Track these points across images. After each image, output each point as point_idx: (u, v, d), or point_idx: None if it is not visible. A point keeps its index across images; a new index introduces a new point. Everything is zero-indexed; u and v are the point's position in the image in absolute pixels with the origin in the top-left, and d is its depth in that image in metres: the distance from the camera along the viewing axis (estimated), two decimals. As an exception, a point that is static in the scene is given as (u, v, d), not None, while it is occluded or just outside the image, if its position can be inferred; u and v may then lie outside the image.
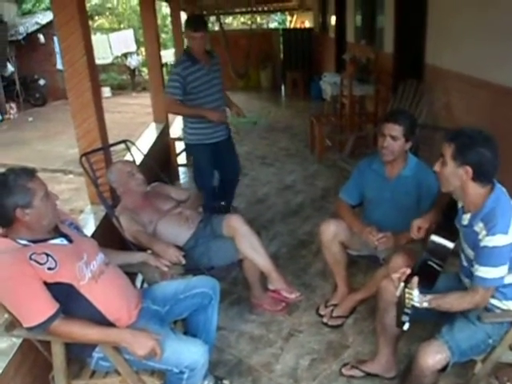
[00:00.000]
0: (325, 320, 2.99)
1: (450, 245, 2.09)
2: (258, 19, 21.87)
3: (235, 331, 2.96)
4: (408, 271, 2.00)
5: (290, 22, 19.12)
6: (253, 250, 2.85)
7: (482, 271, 1.91)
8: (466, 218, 2.02)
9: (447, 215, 2.19)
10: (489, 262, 1.89)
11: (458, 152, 1.91)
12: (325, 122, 6.29)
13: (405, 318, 1.84)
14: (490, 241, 1.88)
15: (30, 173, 1.92)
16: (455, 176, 1.95)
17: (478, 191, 1.95)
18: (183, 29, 3.79)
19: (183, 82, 3.60)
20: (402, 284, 1.91)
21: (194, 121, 3.79)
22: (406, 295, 1.86)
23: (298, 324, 3.01)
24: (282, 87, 12.44)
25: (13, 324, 1.95)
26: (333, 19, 10.04)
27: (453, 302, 1.95)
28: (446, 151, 1.95)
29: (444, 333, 1.99)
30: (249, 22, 20.59)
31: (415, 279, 1.91)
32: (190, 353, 2.02)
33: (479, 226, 1.93)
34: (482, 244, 1.90)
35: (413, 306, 1.84)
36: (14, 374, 2.11)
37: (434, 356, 1.92)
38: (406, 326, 1.86)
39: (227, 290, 3.31)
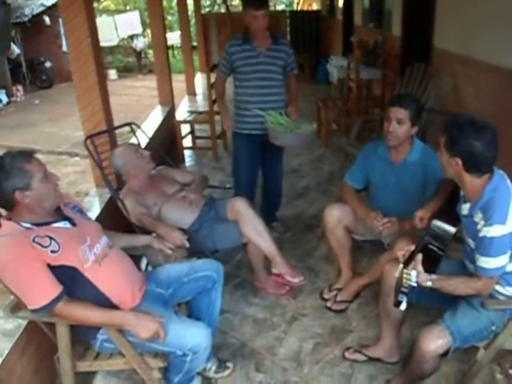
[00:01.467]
0: (328, 304, 2.99)
1: (452, 229, 2.10)
2: (266, 1, 21.67)
3: (239, 314, 2.98)
4: (412, 247, 2.01)
5: (298, 4, 18.89)
6: (257, 234, 2.85)
7: (483, 261, 1.90)
8: (465, 208, 2.01)
9: (450, 200, 2.19)
10: (488, 253, 1.88)
11: (449, 143, 1.92)
12: (331, 105, 6.24)
13: (401, 297, 1.84)
14: (488, 231, 1.87)
15: (28, 155, 1.91)
16: (449, 165, 1.96)
17: (474, 181, 1.94)
18: (242, 7, 3.37)
19: (229, 59, 3.40)
20: (401, 265, 1.91)
21: (236, 105, 3.56)
22: (404, 275, 1.86)
23: (302, 308, 3.02)
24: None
25: (18, 306, 1.97)
26: (340, 1, 9.93)
27: (456, 284, 1.95)
28: (440, 141, 1.95)
29: (446, 318, 1.99)
30: (256, 4, 20.43)
31: (415, 260, 1.89)
32: (193, 336, 2.03)
33: (478, 216, 1.92)
34: (481, 234, 1.90)
35: (410, 286, 1.84)
36: (20, 354, 2.14)
37: (435, 341, 1.92)
38: (402, 306, 1.86)
39: (231, 273, 3.33)
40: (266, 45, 3.39)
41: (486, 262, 1.89)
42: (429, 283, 1.89)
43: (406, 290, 1.84)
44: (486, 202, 1.90)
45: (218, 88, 3.63)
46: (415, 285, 1.84)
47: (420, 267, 1.88)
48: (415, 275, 1.85)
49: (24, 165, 1.87)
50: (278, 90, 3.47)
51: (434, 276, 1.91)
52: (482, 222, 1.89)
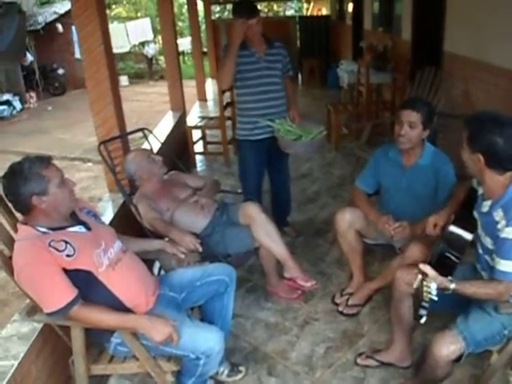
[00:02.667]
0: (340, 308, 2.99)
1: (469, 236, 2.05)
2: (275, 7, 21.77)
3: (251, 318, 2.99)
4: (428, 269, 1.88)
5: (307, 9, 18.95)
6: (269, 238, 2.86)
7: (504, 265, 1.86)
8: (486, 205, 1.98)
9: (466, 205, 2.16)
10: (510, 255, 1.84)
11: (471, 139, 1.88)
12: (342, 110, 6.25)
13: (422, 311, 1.82)
14: (509, 233, 1.83)
15: (45, 160, 1.95)
16: (471, 161, 1.92)
17: (496, 179, 1.90)
18: (233, 16, 3.33)
19: None
20: (420, 276, 1.87)
21: (240, 113, 3.59)
22: (424, 288, 1.82)
23: (314, 312, 3.02)
24: (299, 75, 12.35)
25: (34, 309, 2.00)
26: (350, 6, 9.94)
27: (478, 285, 1.92)
28: (462, 136, 1.92)
29: (459, 323, 1.97)
30: (265, 10, 20.54)
31: (433, 272, 1.85)
32: (206, 339, 2.04)
33: (499, 215, 1.89)
34: (503, 235, 1.85)
35: (430, 300, 1.82)
36: (36, 357, 2.16)
37: (448, 346, 1.91)
38: (423, 320, 1.84)
39: (243, 277, 3.34)
40: (262, 50, 3.40)
41: (507, 266, 1.85)
42: (452, 285, 1.85)
43: (426, 305, 1.82)
44: (509, 200, 1.86)
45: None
46: (436, 298, 1.81)
47: (439, 277, 1.84)
48: (435, 288, 1.81)
49: (42, 170, 1.90)
50: (279, 94, 3.48)
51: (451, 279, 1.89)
52: (504, 222, 1.85)
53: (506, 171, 1.89)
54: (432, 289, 1.81)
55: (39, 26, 13.01)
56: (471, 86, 4.51)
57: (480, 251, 2.10)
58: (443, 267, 1.94)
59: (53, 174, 1.93)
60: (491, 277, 1.95)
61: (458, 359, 1.94)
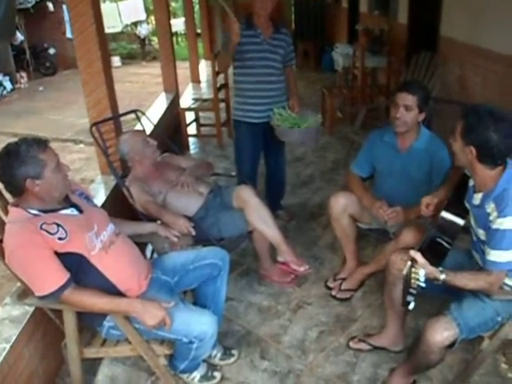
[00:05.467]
0: (333, 293, 3.00)
1: (461, 222, 2.06)
2: (270, -13, 21.47)
3: (244, 302, 2.99)
4: (418, 256, 1.88)
5: (303, -10, 18.71)
6: (262, 222, 2.84)
7: (494, 255, 1.87)
8: (477, 198, 1.98)
9: (458, 192, 2.16)
10: (500, 246, 1.85)
11: (465, 131, 1.87)
12: (336, 93, 6.21)
13: (410, 297, 1.82)
14: (501, 224, 1.83)
15: (43, 143, 1.91)
16: (463, 153, 1.92)
17: (487, 172, 1.91)
18: None
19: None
20: (409, 263, 1.86)
21: (237, 94, 3.50)
22: (412, 275, 1.82)
23: (307, 296, 3.03)
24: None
25: (25, 292, 1.99)
26: (346, -12, 9.82)
27: (469, 276, 1.93)
28: (456, 127, 1.91)
29: (452, 309, 1.98)
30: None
31: (423, 260, 1.84)
32: (199, 323, 2.04)
33: (490, 207, 1.89)
34: (494, 226, 1.86)
35: (418, 286, 1.81)
36: (28, 341, 2.16)
37: (442, 332, 1.92)
38: (411, 306, 1.84)
39: (237, 261, 3.33)
40: (268, 33, 3.34)
41: (497, 256, 1.86)
42: (442, 276, 1.86)
43: (414, 292, 1.82)
44: (500, 193, 1.87)
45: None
46: (424, 285, 1.80)
47: (429, 266, 1.84)
48: (423, 274, 1.80)
49: (39, 153, 1.87)
50: (278, 78, 3.44)
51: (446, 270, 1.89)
52: (495, 214, 1.86)
53: (497, 166, 1.90)
54: (420, 275, 1.80)
55: (29, 5, 12.74)
56: (467, 71, 4.48)
57: (474, 238, 2.10)
58: (435, 253, 1.94)
59: (49, 158, 1.90)
60: (484, 267, 1.95)
61: (451, 345, 1.95)
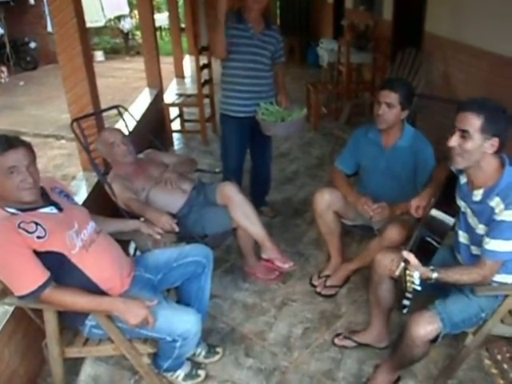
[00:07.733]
0: (318, 289, 2.99)
1: (450, 220, 2.05)
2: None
3: (228, 299, 2.97)
4: (411, 257, 1.86)
5: (288, -15, 18.67)
6: (246, 219, 2.83)
7: (494, 244, 1.86)
8: (477, 194, 1.94)
9: (446, 190, 2.15)
10: (502, 235, 1.85)
11: (488, 123, 1.82)
12: (321, 89, 6.20)
13: (406, 302, 1.82)
14: (508, 215, 1.82)
15: (7, 144, 1.82)
16: (479, 150, 1.86)
17: (493, 165, 1.89)
18: None
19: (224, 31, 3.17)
20: (402, 264, 1.85)
21: (225, 87, 3.46)
22: (407, 278, 1.80)
23: (292, 293, 3.02)
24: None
25: (4, 292, 1.94)
26: (331, -17, 9.81)
27: (461, 271, 1.93)
28: (471, 124, 1.83)
29: (437, 304, 1.98)
30: (245, -14, 20.18)
31: (416, 261, 1.83)
32: (182, 322, 2.02)
33: (495, 201, 1.87)
34: (500, 218, 1.84)
35: (414, 290, 1.80)
36: (8, 340, 2.13)
37: (425, 326, 1.92)
38: (405, 310, 1.84)
39: (221, 258, 3.31)
40: (259, 28, 3.32)
41: (497, 245, 1.85)
42: (434, 275, 1.85)
43: (410, 296, 1.81)
44: (505, 186, 1.85)
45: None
46: (419, 288, 1.79)
47: (422, 267, 1.84)
48: (418, 277, 1.80)
49: None
50: (267, 74, 3.42)
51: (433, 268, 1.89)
52: (502, 206, 1.84)
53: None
54: (415, 278, 1.80)
55: (9, -2, 12.55)
56: (451, 67, 4.50)
57: (461, 239, 2.10)
58: (424, 252, 1.94)
59: (3, 163, 1.80)
60: (481, 256, 1.93)
61: (434, 340, 1.95)
